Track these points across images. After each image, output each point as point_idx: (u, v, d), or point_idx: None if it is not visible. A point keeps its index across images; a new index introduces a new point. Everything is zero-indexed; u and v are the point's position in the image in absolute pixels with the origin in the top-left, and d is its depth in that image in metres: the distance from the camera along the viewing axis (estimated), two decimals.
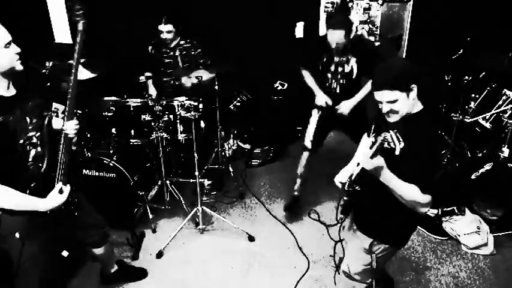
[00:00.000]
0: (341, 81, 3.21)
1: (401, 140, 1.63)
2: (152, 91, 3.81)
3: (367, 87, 3.14)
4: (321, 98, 3.26)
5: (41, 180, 2.01)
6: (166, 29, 3.55)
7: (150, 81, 3.83)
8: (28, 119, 1.95)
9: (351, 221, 2.20)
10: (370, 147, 1.68)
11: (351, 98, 3.19)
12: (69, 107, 2.02)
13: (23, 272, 2.11)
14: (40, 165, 2.01)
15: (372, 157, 1.68)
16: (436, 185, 1.78)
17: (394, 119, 1.83)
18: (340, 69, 3.17)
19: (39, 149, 2.00)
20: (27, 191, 1.95)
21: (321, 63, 3.21)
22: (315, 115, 3.38)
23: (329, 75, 3.24)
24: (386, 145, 1.64)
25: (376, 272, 2.07)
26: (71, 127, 2.02)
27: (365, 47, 3.36)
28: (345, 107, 3.20)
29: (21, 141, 1.93)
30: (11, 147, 1.90)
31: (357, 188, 1.96)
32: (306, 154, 3.48)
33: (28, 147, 1.96)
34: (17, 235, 1.99)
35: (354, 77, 3.17)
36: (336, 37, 2.96)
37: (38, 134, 2.00)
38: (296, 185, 3.60)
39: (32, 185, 1.97)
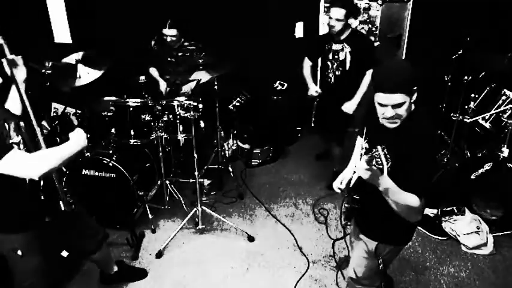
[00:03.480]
0: (336, 72, 3.41)
1: (389, 158, 1.59)
2: (162, 86, 3.80)
3: (365, 84, 3.35)
4: (312, 89, 3.56)
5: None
6: (170, 33, 3.55)
7: (156, 74, 3.82)
8: (6, 125, 1.86)
9: (354, 226, 2.19)
10: (361, 156, 1.64)
11: (352, 99, 3.41)
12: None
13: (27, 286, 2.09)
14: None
15: (367, 169, 1.62)
16: (430, 188, 1.75)
17: (394, 125, 1.76)
18: (336, 56, 3.37)
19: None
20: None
21: (324, 52, 3.45)
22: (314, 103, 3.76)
23: (329, 64, 3.45)
24: (374, 163, 1.59)
25: (383, 273, 2.06)
26: None
27: (361, 39, 3.45)
28: (348, 107, 3.44)
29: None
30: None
31: (355, 196, 1.94)
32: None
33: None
34: (20, 252, 1.97)
35: (347, 68, 3.36)
36: (334, 14, 3.17)
37: (19, 137, 1.92)
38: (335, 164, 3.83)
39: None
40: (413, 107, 1.81)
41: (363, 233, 2.05)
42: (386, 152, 1.58)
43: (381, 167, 1.57)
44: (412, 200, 1.69)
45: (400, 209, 1.72)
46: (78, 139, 1.95)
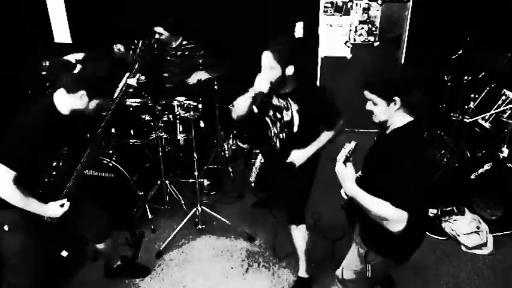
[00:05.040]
0: (281, 135, 2.59)
1: (352, 154, 1.76)
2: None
3: (324, 137, 2.50)
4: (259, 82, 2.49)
5: (49, 185, 2.14)
6: (157, 30, 3.59)
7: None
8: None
9: (356, 229, 2.17)
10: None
11: (305, 148, 2.49)
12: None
13: (13, 265, 2.13)
14: (54, 173, 2.14)
15: (343, 162, 1.75)
16: (414, 203, 1.65)
17: (374, 120, 1.86)
18: (278, 115, 2.52)
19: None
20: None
21: (258, 103, 2.57)
22: (258, 160, 2.87)
23: (268, 121, 2.62)
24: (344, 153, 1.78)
25: (372, 282, 2.02)
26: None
27: (314, 94, 2.49)
28: (296, 156, 2.50)
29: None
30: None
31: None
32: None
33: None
34: (6, 228, 2.03)
35: (294, 131, 2.48)
36: (265, 61, 2.39)
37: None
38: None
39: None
40: (407, 118, 1.77)
41: (360, 235, 2.04)
42: (354, 147, 1.77)
43: (347, 156, 1.76)
44: (383, 208, 1.65)
45: (374, 216, 1.70)
46: (50, 210, 2.12)
